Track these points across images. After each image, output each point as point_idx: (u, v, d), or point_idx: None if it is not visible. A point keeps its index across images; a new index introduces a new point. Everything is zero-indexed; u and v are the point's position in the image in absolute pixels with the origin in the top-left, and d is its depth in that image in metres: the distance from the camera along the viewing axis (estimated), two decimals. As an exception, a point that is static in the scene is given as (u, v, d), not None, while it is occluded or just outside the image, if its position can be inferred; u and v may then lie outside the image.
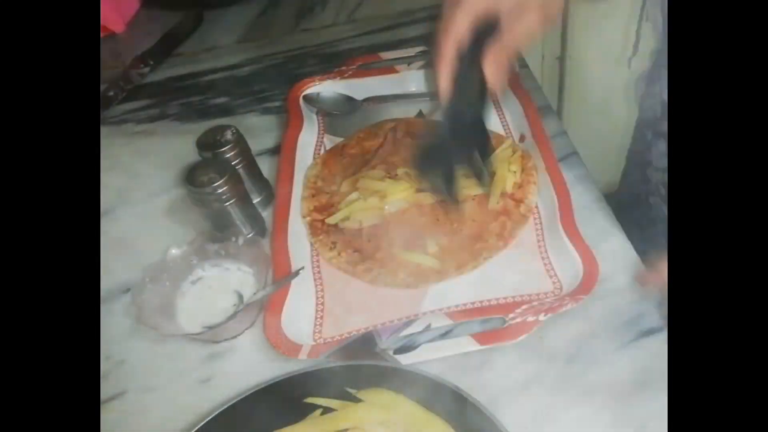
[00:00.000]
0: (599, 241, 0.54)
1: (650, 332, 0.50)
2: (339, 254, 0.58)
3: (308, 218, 0.61)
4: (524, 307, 0.51)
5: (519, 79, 0.71)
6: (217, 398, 0.47)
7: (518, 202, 0.60)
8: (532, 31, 0.46)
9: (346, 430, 0.46)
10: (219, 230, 0.57)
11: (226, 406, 0.45)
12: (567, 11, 1.24)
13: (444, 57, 0.46)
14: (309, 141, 0.69)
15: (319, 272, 0.58)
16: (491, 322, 0.51)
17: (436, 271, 0.56)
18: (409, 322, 0.52)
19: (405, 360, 0.49)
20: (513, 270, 0.56)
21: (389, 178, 0.62)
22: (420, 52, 0.76)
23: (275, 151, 0.69)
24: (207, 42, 0.90)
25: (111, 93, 0.81)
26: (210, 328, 0.52)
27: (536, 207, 0.60)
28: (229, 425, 0.45)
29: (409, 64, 0.74)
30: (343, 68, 0.75)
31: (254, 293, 0.54)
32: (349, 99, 0.73)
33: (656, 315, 0.51)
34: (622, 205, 0.63)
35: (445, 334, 0.50)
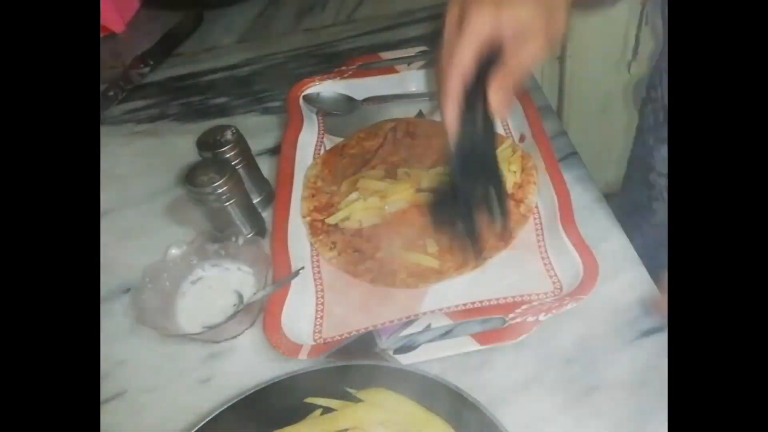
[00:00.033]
0: (599, 241, 0.54)
1: (650, 332, 0.50)
2: (339, 254, 0.58)
3: (308, 218, 0.61)
4: (524, 307, 0.51)
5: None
6: (217, 398, 0.47)
7: (518, 202, 0.60)
8: (536, 56, 0.45)
9: (346, 430, 0.46)
10: (219, 230, 0.57)
11: (226, 406, 0.45)
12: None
13: (451, 93, 0.44)
14: (309, 141, 0.68)
15: (319, 272, 0.58)
16: (491, 322, 0.51)
17: (436, 271, 0.56)
18: (409, 322, 0.52)
19: (405, 360, 0.49)
20: (513, 270, 0.56)
21: (389, 178, 0.62)
22: (420, 52, 0.76)
23: (275, 151, 0.69)
24: (207, 42, 0.90)
25: (111, 93, 0.81)
26: (210, 328, 0.52)
27: (536, 207, 0.60)
28: (229, 425, 0.45)
29: (409, 64, 0.74)
30: (343, 68, 0.75)
31: (254, 293, 0.54)
32: (349, 99, 0.73)
33: (656, 315, 0.51)
34: (625, 210, 0.62)
35: (445, 334, 0.50)
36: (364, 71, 0.74)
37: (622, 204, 0.66)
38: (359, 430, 0.46)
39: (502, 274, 0.55)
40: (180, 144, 0.71)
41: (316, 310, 0.55)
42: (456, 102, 0.44)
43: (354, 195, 0.61)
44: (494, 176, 0.48)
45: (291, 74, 0.79)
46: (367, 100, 0.73)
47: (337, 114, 0.73)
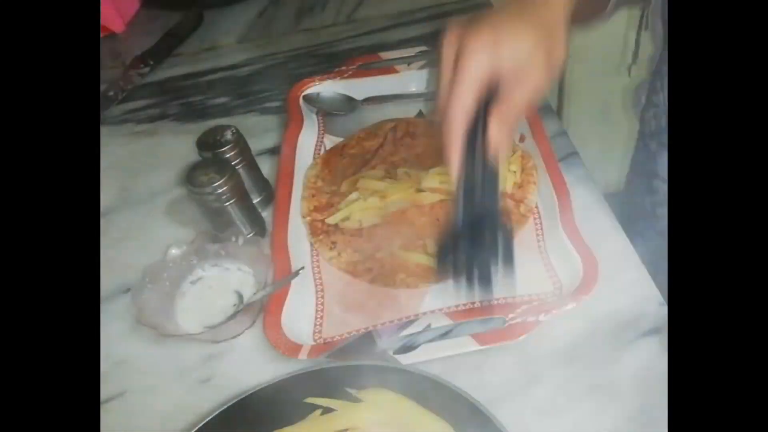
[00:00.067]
0: (599, 241, 0.54)
1: (650, 332, 0.50)
2: (339, 254, 0.58)
3: (308, 218, 0.61)
4: (524, 307, 0.51)
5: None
6: (217, 398, 0.47)
7: (518, 202, 0.60)
8: (537, 90, 0.44)
9: (346, 430, 0.46)
10: (219, 230, 0.57)
11: (226, 406, 0.45)
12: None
13: (455, 135, 0.43)
14: (309, 141, 0.69)
15: (319, 272, 0.58)
16: (491, 322, 0.51)
17: (436, 271, 0.56)
18: (409, 322, 0.52)
19: (405, 360, 0.49)
20: (513, 270, 0.56)
21: (389, 178, 0.62)
22: (420, 52, 0.76)
23: (275, 151, 0.69)
24: (207, 42, 0.90)
25: (111, 93, 0.81)
26: (210, 328, 0.52)
27: (536, 207, 0.60)
28: (229, 425, 0.45)
29: (409, 64, 0.74)
30: (343, 68, 0.75)
31: (254, 293, 0.54)
32: (349, 99, 0.73)
33: (656, 315, 0.51)
34: (627, 216, 0.61)
35: (445, 334, 0.50)
36: (364, 71, 0.74)
37: (625, 209, 0.65)
38: (359, 430, 0.46)
39: (502, 274, 0.55)
40: (180, 144, 0.71)
41: (316, 310, 0.55)
42: (460, 147, 0.43)
43: (354, 195, 0.61)
44: (497, 223, 0.45)
45: (291, 74, 0.79)
46: (367, 100, 0.73)
47: (337, 114, 0.73)
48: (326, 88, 0.73)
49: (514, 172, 0.61)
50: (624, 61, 1.20)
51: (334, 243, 0.59)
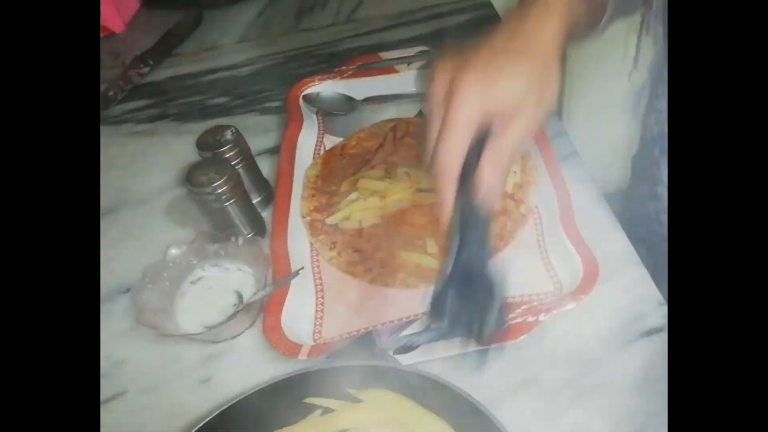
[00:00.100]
0: (599, 241, 0.54)
1: (650, 332, 0.50)
2: (339, 254, 0.58)
3: (308, 218, 0.61)
4: (524, 307, 0.51)
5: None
6: (217, 398, 0.47)
7: (518, 202, 0.60)
8: (530, 129, 0.42)
9: (346, 430, 0.46)
10: (219, 230, 0.57)
11: (226, 406, 0.45)
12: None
13: (448, 181, 0.42)
14: (309, 141, 0.69)
15: (319, 272, 0.58)
16: (491, 322, 0.50)
17: (436, 271, 0.56)
18: (409, 322, 0.52)
19: (405, 360, 0.49)
20: (513, 270, 0.55)
21: (389, 178, 0.62)
22: (420, 52, 0.76)
23: (275, 151, 0.69)
24: (207, 42, 0.90)
25: (111, 93, 0.81)
26: (210, 328, 0.52)
27: (536, 207, 0.60)
28: (229, 425, 0.45)
29: (409, 64, 0.74)
30: (343, 68, 0.75)
31: (254, 293, 0.54)
32: (349, 99, 0.73)
33: (656, 315, 0.51)
34: (630, 222, 0.60)
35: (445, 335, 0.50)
36: (364, 71, 0.74)
37: (627, 215, 0.63)
38: (359, 430, 0.46)
39: (502, 274, 0.55)
40: (180, 144, 0.71)
41: (316, 310, 0.55)
42: (453, 192, 0.42)
43: (354, 195, 0.61)
44: (490, 271, 0.43)
45: (291, 74, 0.79)
46: (367, 100, 0.73)
47: (337, 114, 0.73)
48: (326, 88, 0.73)
49: (515, 172, 0.61)
50: (624, 65, 1.20)
51: (334, 243, 0.59)
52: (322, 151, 0.68)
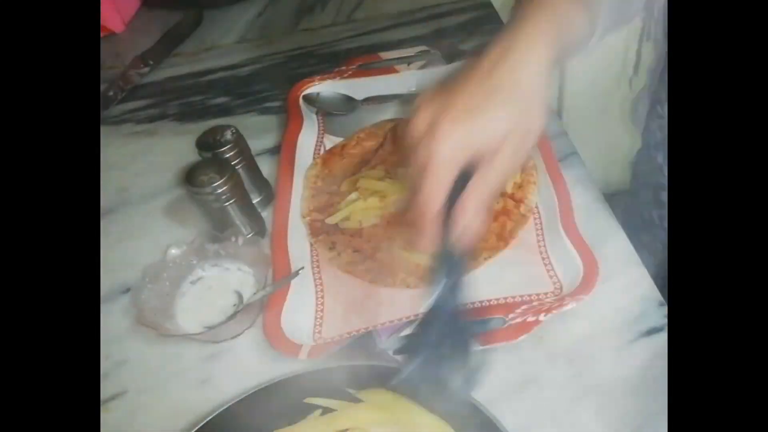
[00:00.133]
0: (599, 241, 0.55)
1: (650, 332, 0.50)
2: (339, 254, 0.58)
3: (308, 218, 0.61)
4: (524, 307, 0.51)
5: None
6: (217, 398, 0.47)
7: (518, 202, 0.60)
8: (512, 169, 0.41)
9: (346, 430, 0.46)
10: (219, 230, 0.57)
11: (226, 406, 0.45)
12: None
13: (430, 224, 0.41)
14: (309, 141, 0.69)
15: (318, 272, 0.58)
16: (491, 322, 0.51)
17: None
18: (409, 322, 0.52)
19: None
20: (513, 270, 0.56)
21: (389, 178, 0.62)
22: (420, 52, 0.76)
23: (275, 151, 0.69)
24: (207, 42, 0.90)
25: (111, 93, 0.81)
26: (210, 328, 0.52)
27: (536, 207, 0.60)
28: (229, 425, 0.45)
29: (409, 64, 0.74)
30: (343, 68, 0.75)
31: (254, 293, 0.54)
32: (349, 99, 0.73)
33: (656, 315, 0.51)
34: (633, 228, 0.59)
35: (445, 334, 0.50)
36: (364, 71, 0.74)
37: (630, 221, 0.62)
38: (359, 430, 0.46)
39: (502, 274, 0.55)
40: (180, 144, 0.71)
41: (316, 310, 0.55)
42: (434, 237, 0.41)
43: (354, 195, 0.61)
44: (465, 325, 0.43)
45: (291, 74, 0.79)
46: (367, 100, 0.73)
47: (337, 114, 0.73)
48: (326, 88, 0.73)
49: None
50: (625, 71, 1.19)
51: (334, 243, 0.59)
52: (322, 151, 0.68)
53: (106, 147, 0.73)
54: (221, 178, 0.55)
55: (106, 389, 0.52)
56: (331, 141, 0.70)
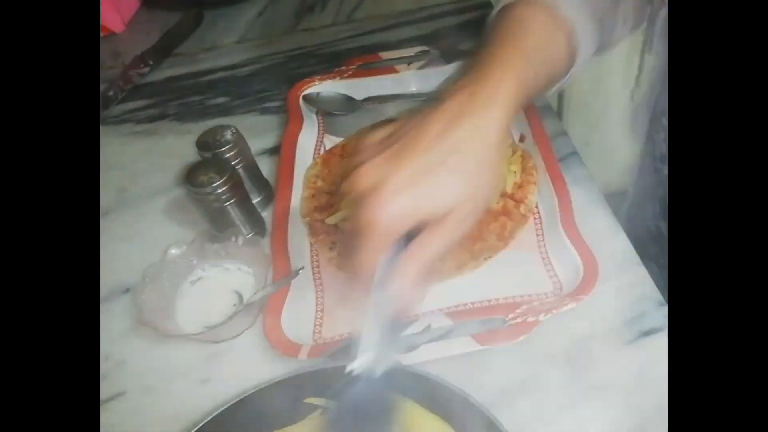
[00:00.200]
0: (599, 241, 0.54)
1: (650, 332, 0.50)
2: (339, 254, 0.58)
3: (308, 218, 0.61)
4: (524, 307, 0.51)
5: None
6: (217, 398, 0.47)
7: (518, 202, 0.60)
8: (457, 235, 0.39)
9: (346, 430, 0.46)
10: (219, 230, 0.57)
11: (226, 406, 0.45)
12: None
13: (366, 282, 0.39)
14: (309, 141, 0.69)
15: (319, 272, 0.58)
16: (491, 323, 0.51)
17: (436, 271, 0.56)
18: (409, 322, 0.52)
19: (405, 360, 0.49)
20: (513, 270, 0.56)
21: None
22: (420, 52, 0.76)
23: (275, 151, 0.69)
24: (207, 42, 0.90)
25: (111, 93, 0.81)
26: (210, 328, 0.52)
27: (536, 207, 0.60)
28: (229, 425, 0.45)
29: (409, 64, 0.74)
30: (343, 68, 0.75)
31: (254, 293, 0.54)
32: (349, 99, 0.73)
33: (656, 315, 0.51)
34: (639, 240, 0.58)
35: (445, 334, 0.50)
36: (364, 71, 0.74)
37: (635, 234, 0.60)
38: (359, 430, 0.46)
39: (502, 274, 0.55)
40: (180, 144, 0.71)
41: (316, 310, 0.55)
42: (367, 298, 0.39)
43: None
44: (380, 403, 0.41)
45: (291, 74, 0.79)
46: (367, 100, 0.73)
47: (337, 114, 0.73)
48: (326, 88, 0.73)
49: (515, 172, 0.61)
50: (626, 83, 1.19)
51: (334, 243, 0.59)
52: (322, 151, 0.68)
53: (106, 147, 0.73)
54: (221, 178, 0.55)
55: (106, 389, 0.52)
56: (331, 141, 0.70)
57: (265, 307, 0.53)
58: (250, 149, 0.62)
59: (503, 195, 0.60)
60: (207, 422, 0.45)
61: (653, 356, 0.49)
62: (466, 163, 0.39)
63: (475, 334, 0.50)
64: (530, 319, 0.49)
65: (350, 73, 0.74)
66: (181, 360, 0.53)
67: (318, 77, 0.74)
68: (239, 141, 0.60)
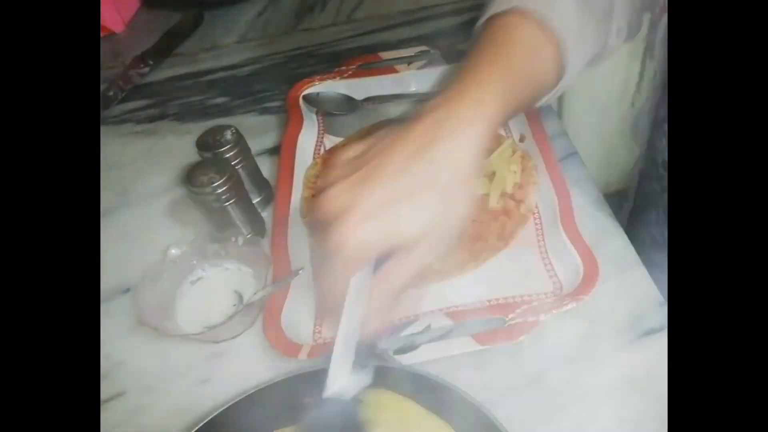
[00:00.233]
0: (599, 241, 0.55)
1: (650, 332, 0.50)
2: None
3: (308, 218, 0.61)
4: (524, 307, 0.51)
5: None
6: (217, 398, 0.47)
7: (518, 202, 0.60)
8: (425, 263, 0.38)
9: (346, 430, 0.46)
10: (219, 230, 0.57)
11: (226, 406, 0.45)
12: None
13: (334, 312, 0.38)
14: (309, 141, 0.69)
15: (319, 272, 0.58)
16: (491, 322, 0.51)
17: (436, 271, 0.56)
18: (409, 322, 0.52)
19: (405, 360, 0.49)
20: (513, 270, 0.56)
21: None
22: (420, 52, 0.76)
23: (275, 151, 0.69)
24: (207, 42, 0.90)
25: (111, 93, 0.81)
26: (210, 328, 0.52)
27: (536, 207, 0.60)
28: (229, 425, 0.45)
29: (409, 64, 0.74)
30: (343, 68, 0.75)
31: (254, 293, 0.54)
32: (349, 99, 0.73)
33: (656, 315, 0.51)
34: (642, 247, 0.58)
35: (445, 334, 0.50)
36: (364, 71, 0.74)
37: (638, 241, 0.60)
38: (359, 430, 0.46)
39: (502, 274, 0.55)
40: (180, 144, 0.71)
41: (316, 310, 0.55)
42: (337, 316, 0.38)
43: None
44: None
45: (291, 74, 0.79)
46: (367, 100, 0.73)
47: (337, 114, 0.73)
48: (326, 88, 0.73)
49: (514, 172, 0.61)
50: (627, 90, 1.19)
51: (334, 243, 0.59)
52: (322, 151, 0.68)
53: (106, 147, 0.73)
54: (221, 178, 0.55)
55: (106, 389, 0.52)
56: (331, 141, 0.70)
57: (265, 308, 0.53)
58: (250, 149, 0.62)
59: (503, 195, 0.60)
60: (207, 422, 0.44)
61: (653, 356, 0.49)
62: (437, 188, 0.37)
63: (475, 334, 0.50)
64: (530, 319, 0.49)
65: (350, 73, 0.74)
66: (181, 360, 0.53)
67: (318, 77, 0.74)
68: (239, 141, 0.60)
